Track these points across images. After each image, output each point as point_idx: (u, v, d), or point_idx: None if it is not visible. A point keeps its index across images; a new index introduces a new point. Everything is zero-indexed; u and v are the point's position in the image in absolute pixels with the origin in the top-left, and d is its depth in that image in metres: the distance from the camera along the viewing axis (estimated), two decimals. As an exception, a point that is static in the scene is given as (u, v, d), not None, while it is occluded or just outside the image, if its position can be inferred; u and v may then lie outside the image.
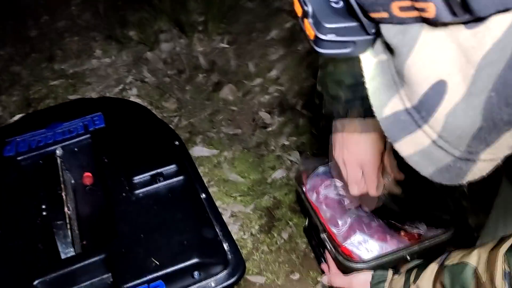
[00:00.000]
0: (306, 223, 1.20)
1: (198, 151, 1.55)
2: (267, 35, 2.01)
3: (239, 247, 0.93)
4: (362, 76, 0.47)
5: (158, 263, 0.85)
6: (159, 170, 1.04)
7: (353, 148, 0.85)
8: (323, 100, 0.86)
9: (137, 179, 1.03)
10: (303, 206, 1.20)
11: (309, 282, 1.16)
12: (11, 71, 2.10)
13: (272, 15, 2.11)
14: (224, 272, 0.88)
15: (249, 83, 1.80)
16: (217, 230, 0.95)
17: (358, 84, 0.75)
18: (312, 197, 1.16)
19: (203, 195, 1.04)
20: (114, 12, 2.37)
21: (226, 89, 1.76)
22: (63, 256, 0.91)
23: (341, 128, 0.85)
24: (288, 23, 2.04)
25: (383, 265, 0.98)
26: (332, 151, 0.89)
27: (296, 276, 1.18)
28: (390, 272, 0.91)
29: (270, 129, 1.59)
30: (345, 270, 1.00)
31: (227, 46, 1.98)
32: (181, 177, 1.03)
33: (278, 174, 1.44)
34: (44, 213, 1.13)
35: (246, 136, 1.59)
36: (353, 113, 0.82)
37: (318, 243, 1.14)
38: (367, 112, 0.79)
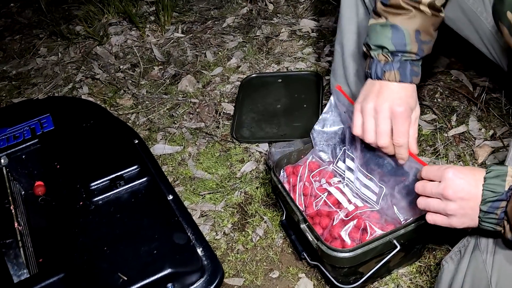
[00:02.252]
0: (284, 217, 1.13)
1: (159, 149, 1.45)
2: (223, 23, 1.92)
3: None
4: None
5: (125, 278, 0.76)
6: (119, 173, 0.95)
7: (388, 97, 0.86)
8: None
9: (95, 185, 0.93)
10: (279, 198, 1.12)
11: (289, 279, 1.10)
12: None
13: (226, 2, 2.02)
14: (201, 281, 0.80)
15: (209, 73, 1.70)
16: (188, 234, 0.87)
17: (397, 52, 0.85)
18: (289, 187, 1.10)
19: (170, 197, 0.96)
20: (57, 7, 2.21)
21: (184, 81, 1.66)
22: (16, 280, 0.81)
23: (376, 84, 0.88)
24: (244, 9, 1.96)
25: (369, 252, 0.93)
26: (358, 101, 0.90)
27: (275, 274, 1.11)
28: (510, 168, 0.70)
29: (234, 120, 1.50)
30: (329, 260, 0.94)
31: (182, 35, 1.88)
32: (144, 179, 0.95)
33: (248, 167, 1.36)
34: None
35: (211, 130, 1.50)
36: (389, 75, 0.86)
37: (297, 236, 1.08)
38: (402, 78, 0.86)
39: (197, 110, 1.58)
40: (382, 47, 0.87)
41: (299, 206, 1.03)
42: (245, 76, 1.65)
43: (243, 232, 1.21)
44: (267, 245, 1.18)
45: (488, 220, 0.69)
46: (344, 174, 1.09)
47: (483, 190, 0.68)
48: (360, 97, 0.89)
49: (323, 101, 1.50)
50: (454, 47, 1.47)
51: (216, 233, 1.21)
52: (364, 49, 0.91)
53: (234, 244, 1.18)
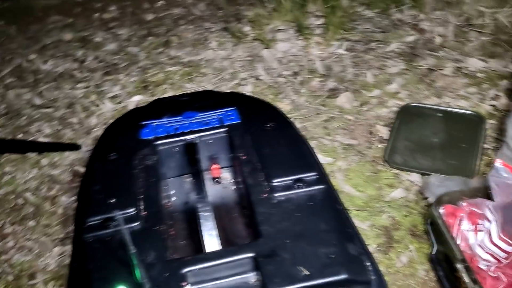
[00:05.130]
0: (434, 251, 1.15)
1: (313, 157, 1.54)
2: (386, 47, 1.96)
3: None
4: None
5: (307, 272, 0.84)
6: (300, 176, 1.03)
7: None
8: None
9: (277, 182, 1.02)
10: (433, 232, 1.15)
11: (429, 312, 1.12)
12: (128, 52, 2.18)
13: (392, 27, 2.05)
14: (368, 293, 0.86)
15: (367, 94, 1.76)
16: (358, 246, 0.93)
17: None
18: (450, 224, 1.12)
19: (340, 208, 1.03)
20: (229, 5, 2.40)
21: (343, 97, 1.73)
22: (208, 249, 0.92)
23: None
24: (410, 37, 1.98)
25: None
26: None
27: (415, 303, 1.14)
28: None
29: (387, 145, 1.54)
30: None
31: (345, 53, 1.95)
32: (321, 186, 1.02)
33: (398, 193, 1.40)
34: (186, 201, 1.17)
35: (362, 148, 1.56)
36: None
37: (446, 274, 1.10)
38: None
39: (351, 127, 1.64)
40: None
41: (459, 246, 1.05)
42: (403, 103, 1.68)
43: (387, 256, 1.25)
44: (410, 274, 1.20)
45: None
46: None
47: None
48: None
49: (483, 145, 1.49)
50: None
51: (361, 249, 1.26)
52: None
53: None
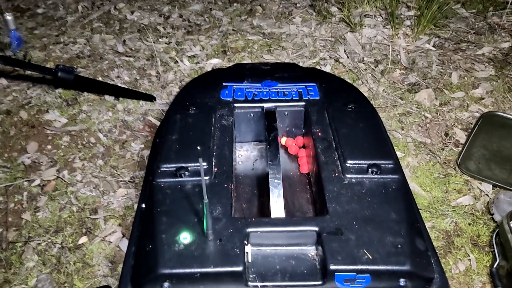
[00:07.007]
0: (496, 265, 1.11)
1: (382, 148, 1.50)
2: (478, 49, 1.87)
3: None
4: None
5: (370, 256, 0.83)
6: (376, 162, 1.00)
7: None
8: None
9: (352, 163, 1.01)
10: (499, 246, 1.10)
11: (480, 325, 1.08)
12: (213, 15, 2.20)
13: (487, 30, 1.95)
14: (429, 290, 0.84)
15: (449, 94, 1.69)
16: (426, 242, 0.90)
17: None
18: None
19: (412, 201, 1.00)
20: (318, -17, 2.36)
21: (423, 93, 1.68)
22: (273, 215, 0.93)
23: None
24: (505, 44, 1.87)
25: None
26: None
27: (467, 313, 1.11)
28: None
29: (463, 149, 1.48)
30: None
31: (432, 48, 1.88)
32: (396, 176, 0.99)
33: (465, 200, 1.35)
34: (252, 167, 1.18)
35: (435, 149, 1.51)
36: None
37: (508, 290, 1.05)
38: None
39: (427, 125, 1.59)
40: None
41: (527, 264, 1.01)
42: (486, 110, 1.60)
43: (443, 260, 1.21)
44: (465, 283, 1.16)
45: None
46: None
47: None
48: None
49: None
50: None
51: (418, 249, 1.23)
52: None
53: (432, 266, 1.19)
